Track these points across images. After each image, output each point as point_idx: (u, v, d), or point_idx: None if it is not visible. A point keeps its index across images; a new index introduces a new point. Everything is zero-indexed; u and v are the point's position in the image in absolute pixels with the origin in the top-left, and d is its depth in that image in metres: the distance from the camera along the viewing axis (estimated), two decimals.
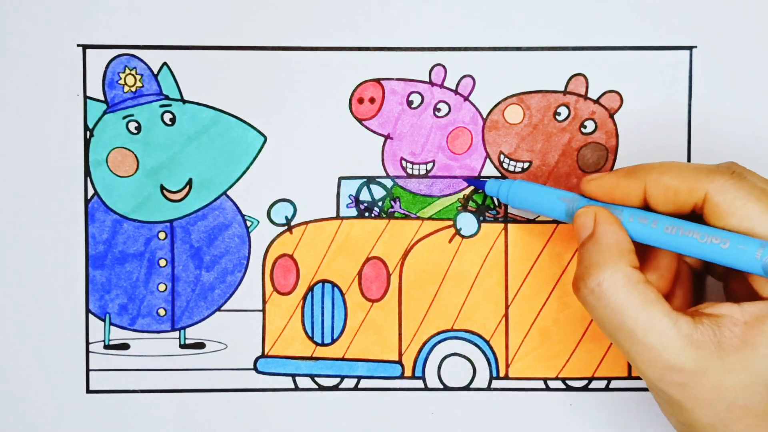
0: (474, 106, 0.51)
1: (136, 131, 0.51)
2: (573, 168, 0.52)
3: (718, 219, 0.42)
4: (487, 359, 0.52)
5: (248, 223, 0.52)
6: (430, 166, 0.52)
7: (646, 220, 0.44)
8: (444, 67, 0.51)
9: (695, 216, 0.44)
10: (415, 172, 0.52)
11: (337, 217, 0.52)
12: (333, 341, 0.52)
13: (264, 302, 0.52)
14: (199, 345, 0.52)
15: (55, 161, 0.51)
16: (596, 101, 0.51)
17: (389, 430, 0.52)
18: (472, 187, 0.52)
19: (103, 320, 0.52)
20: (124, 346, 0.52)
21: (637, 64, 0.51)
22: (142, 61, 0.51)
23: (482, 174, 0.52)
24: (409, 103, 0.52)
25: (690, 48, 0.51)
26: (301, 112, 0.51)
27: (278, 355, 0.52)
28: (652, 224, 0.44)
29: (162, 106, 0.51)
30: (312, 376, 0.52)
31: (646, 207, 0.45)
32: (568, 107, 0.51)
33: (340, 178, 0.51)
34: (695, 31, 0.51)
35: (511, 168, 0.52)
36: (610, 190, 0.45)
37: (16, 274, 0.51)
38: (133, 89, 0.51)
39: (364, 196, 0.52)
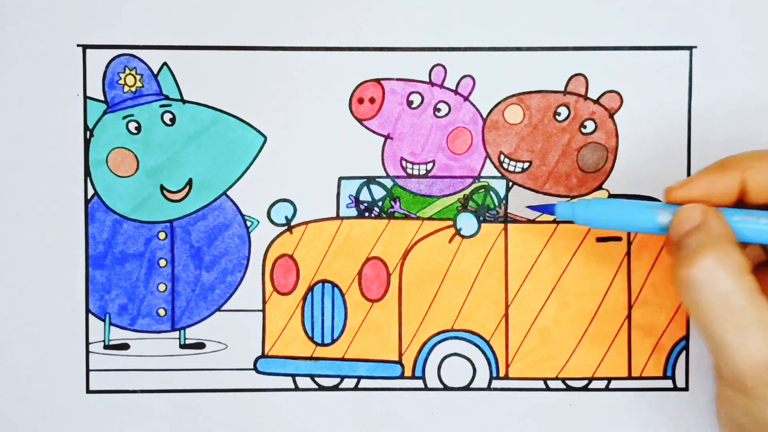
0: (474, 106, 0.51)
1: (136, 131, 0.51)
2: (573, 168, 0.52)
3: None
4: (487, 359, 0.52)
5: (248, 223, 0.52)
6: (430, 166, 0.52)
7: (752, 217, 0.43)
8: (444, 67, 0.51)
9: None
10: (415, 172, 0.52)
11: (337, 217, 0.52)
12: (333, 341, 0.52)
13: (264, 302, 0.52)
14: (199, 345, 0.52)
15: (55, 161, 0.51)
16: (596, 101, 0.51)
17: (389, 430, 0.52)
18: (472, 187, 0.52)
19: (103, 320, 0.52)
20: (124, 346, 0.52)
21: (637, 64, 0.51)
22: (142, 61, 0.51)
23: (482, 174, 0.52)
24: (409, 103, 0.52)
25: (690, 48, 0.51)
26: (301, 112, 0.51)
27: (278, 355, 0.52)
28: (760, 220, 0.42)
29: (162, 106, 0.51)
30: (312, 376, 0.52)
31: (739, 203, 0.43)
32: (568, 107, 0.51)
33: (340, 178, 0.51)
34: (695, 31, 0.51)
35: (511, 168, 0.52)
36: (706, 190, 0.43)
37: (16, 274, 0.51)
38: (133, 89, 0.51)
39: (364, 196, 0.52)
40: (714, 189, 0.43)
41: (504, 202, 0.52)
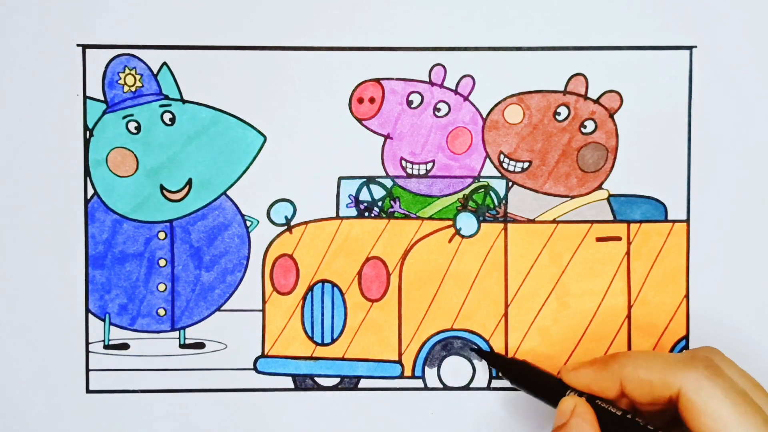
0: (474, 105, 0.51)
1: (135, 131, 0.51)
2: (573, 168, 0.52)
3: (693, 417, 0.42)
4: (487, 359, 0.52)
5: (248, 223, 0.52)
6: (429, 166, 0.52)
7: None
8: (444, 67, 0.51)
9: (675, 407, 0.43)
10: (415, 172, 0.52)
11: (337, 217, 0.52)
12: (333, 341, 0.52)
13: (264, 302, 0.52)
14: (199, 345, 0.52)
15: (55, 161, 0.51)
16: (596, 101, 0.51)
17: (389, 430, 0.52)
18: (472, 187, 0.52)
19: (103, 320, 0.52)
20: (124, 346, 0.52)
21: (637, 64, 0.51)
22: (141, 61, 0.51)
23: (482, 174, 0.52)
24: (409, 102, 0.52)
25: (690, 48, 0.51)
26: (301, 112, 0.51)
27: (278, 355, 0.52)
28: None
29: (162, 106, 0.51)
30: (312, 376, 0.52)
31: (624, 397, 0.45)
32: (568, 107, 0.51)
33: (340, 178, 0.51)
34: (695, 31, 0.51)
35: (511, 168, 0.52)
36: (589, 383, 0.46)
37: (16, 274, 0.51)
38: (133, 89, 0.51)
39: (364, 196, 0.52)
40: (596, 384, 0.45)
41: (504, 202, 0.52)
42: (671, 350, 0.52)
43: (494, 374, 0.52)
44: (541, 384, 0.48)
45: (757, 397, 0.43)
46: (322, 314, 0.52)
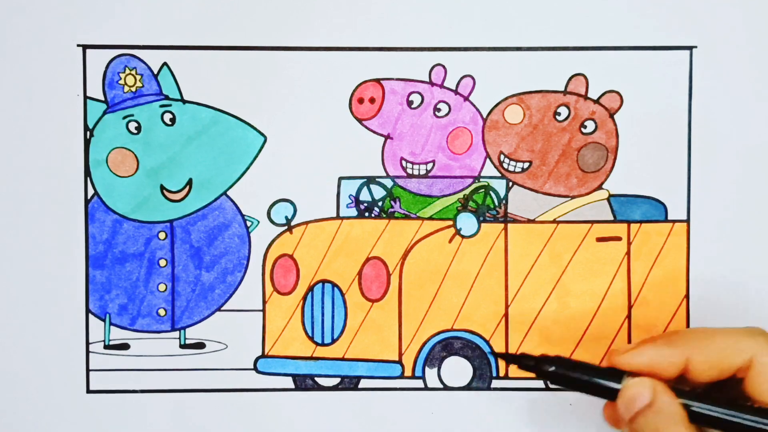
0: (474, 106, 0.51)
1: (136, 131, 0.51)
2: (573, 168, 0.52)
3: (764, 382, 0.42)
4: (487, 359, 0.52)
5: (248, 223, 0.52)
6: (430, 166, 0.52)
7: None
8: (444, 67, 0.51)
9: (734, 382, 0.43)
10: (415, 172, 0.52)
11: (337, 217, 0.52)
12: (333, 341, 0.52)
13: (264, 302, 0.52)
14: (199, 345, 0.52)
15: (55, 161, 0.51)
16: (596, 101, 0.51)
17: (389, 430, 0.52)
18: (472, 187, 0.52)
19: (103, 320, 0.52)
20: (124, 346, 0.52)
21: (637, 64, 0.51)
22: (142, 61, 0.51)
23: (482, 174, 0.52)
24: (409, 103, 0.52)
25: (690, 48, 0.51)
26: (301, 112, 0.51)
27: (278, 355, 0.52)
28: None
29: (162, 106, 0.51)
30: (312, 376, 0.52)
31: (683, 376, 0.43)
32: (568, 107, 0.51)
33: (340, 178, 0.51)
34: (695, 31, 0.51)
35: (511, 168, 0.52)
36: (651, 363, 0.43)
37: (16, 274, 0.51)
38: (133, 89, 0.51)
39: (364, 196, 0.52)
40: (659, 362, 0.43)
41: (504, 202, 0.52)
42: None
43: (500, 374, 0.52)
44: (593, 375, 0.44)
45: None
46: (323, 314, 0.52)
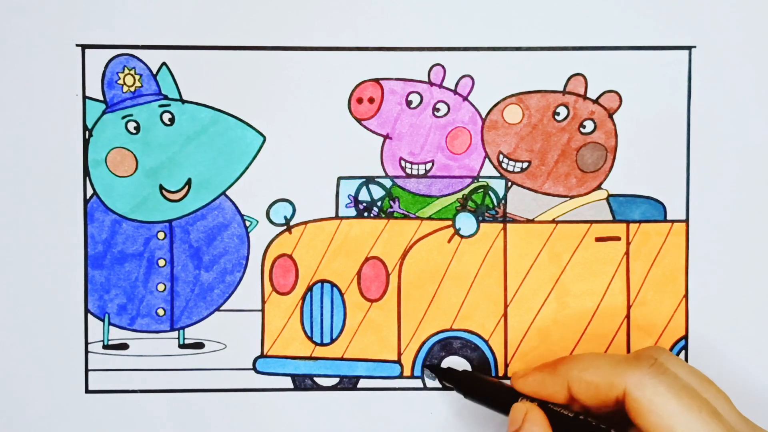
0: (473, 105, 0.51)
1: (135, 131, 0.51)
2: (572, 168, 0.52)
3: (639, 415, 0.42)
4: (486, 359, 0.52)
5: (247, 223, 0.52)
6: (429, 166, 0.52)
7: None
8: (443, 67, 0.51)
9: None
10: (414, 172, 0.52)
11: (336, 217, 0.52)
12: (332, 341, 0.52)
13: (263, 302, 0.52)
14: (199, 345, 0.52)
15: (54, 161, 0.51)
16: (595, 101, 0.51)
17: (388, 429, 0.52)
18: (471, 187, 0.52)
19: (102, 320, 0.52)
20: (123, 346, 0.52)
21: (637, 64, 0.51)
22: (141, 61, 0.51)
23: (481, 174, 0.52)
24: (408, 103, 0.52)
25: (690, 48, 0.51)
26: (300, 112, 0.51)
27: (277, 355, 0.52)
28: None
29: (161, 106, 0.51)
30: (311, 376, 0.52)
31: (575, 401, 0.45)
32: (567, 107, 0.51)
33: (339, 178, 0.51)
34: (695, 31, 0.51)
35: (510, 168, 0.52)
36: (538, 388, 0.46)
37: (15, 274, 0.51)
38: (132, 89, 0.51)
39: (363, 196, 0.52)
40: (543, 388, 0.46)
41: (503, 202, 0.52)
42: (671, 350, 0.51)
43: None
44: (493, 394, 0.48)
45: (706, 392, 0.43)
46: (322, 314, 0.52)
